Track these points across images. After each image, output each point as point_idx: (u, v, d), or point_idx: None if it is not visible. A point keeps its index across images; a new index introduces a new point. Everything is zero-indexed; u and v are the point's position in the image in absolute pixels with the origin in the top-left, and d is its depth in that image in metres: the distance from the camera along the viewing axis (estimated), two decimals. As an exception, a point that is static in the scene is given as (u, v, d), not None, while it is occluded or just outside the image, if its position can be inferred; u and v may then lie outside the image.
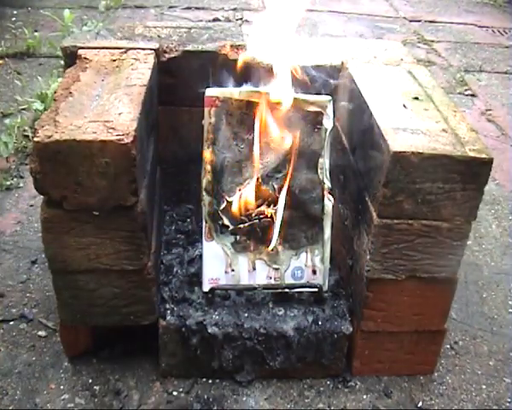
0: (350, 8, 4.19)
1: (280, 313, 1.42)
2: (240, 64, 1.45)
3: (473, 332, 1.67)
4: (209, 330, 1.37)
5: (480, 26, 4.17)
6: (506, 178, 2.42)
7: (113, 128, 1.16)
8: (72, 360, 1.47)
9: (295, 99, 1.38)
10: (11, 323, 1.57)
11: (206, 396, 1.40)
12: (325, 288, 1.45)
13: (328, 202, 1.40)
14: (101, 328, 1.42)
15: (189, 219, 1.70)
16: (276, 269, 1.44)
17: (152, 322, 1.39)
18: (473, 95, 3.13)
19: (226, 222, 1.39)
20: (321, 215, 1.41)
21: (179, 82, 1.56)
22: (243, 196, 1.38)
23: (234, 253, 1.41)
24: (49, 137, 1.13)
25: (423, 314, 1.40)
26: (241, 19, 3.83)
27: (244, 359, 1.42)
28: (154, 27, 1.69)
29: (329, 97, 1.39)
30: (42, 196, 1.22)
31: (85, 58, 1.44)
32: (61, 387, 1.41)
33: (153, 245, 1.38)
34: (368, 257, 1.31)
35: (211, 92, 1.35)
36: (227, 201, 1.38)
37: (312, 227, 1.43)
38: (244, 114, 1.37)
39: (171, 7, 3.96)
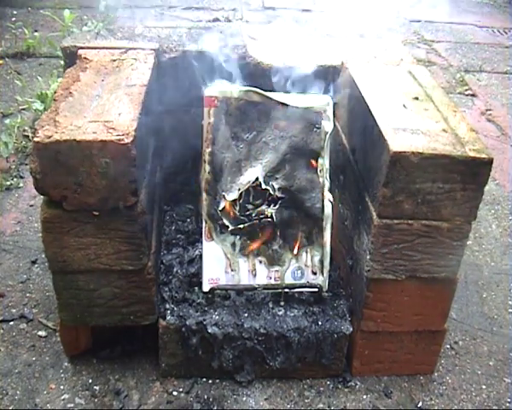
0: (350, 8, 4.18)
1: (280, 313, 1.42)
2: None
3: (473, 332, 1.67)
4: (209, 330, 1.37)
5: (480, 26, 4.17)
6: (506, 178, 2.43)
7: (113, 128, 1.16)
8: (72, 360, 1.47)
9: (295, 99, 1.38)
10: (11, 323, 1.57)
11: (206, 396, 1.40)
12: (325, 288, 1.45)
13: (328, 203, 1.40)
14: (101, 328, 1.42)
15: (189, 219, 1.70)
16: (276, 269, 1.44)
17: (152, 322, 1.39)
18: (473, 95, 3.13)
19: (226, 222, 1.39)
20: (321, 215, 1.41)
21: (179, 82, 1.56)
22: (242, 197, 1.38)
23: (234, 253, 1.41)
24: (49, 137, 1.13)
25: (423, 314, 1.40)
26: (241, 19, 3.83)
27: (244, 359, 1.42)
28: (154, 27, 1.69)
29: (329, 98, 1.39)
30: (42, 196, 1.22)
31: (85, 58, 1.44)
32: (61, 387, 1.41)
33: (153, 245, 1.38)
34: (368, 257, 1.31)
35: (210, 92, 1.35)
36: (226, 201, 1.38)
37: (312, 227, 1.43)
38: (243, 114, 1.37)
39: (171, 7, 3.96)
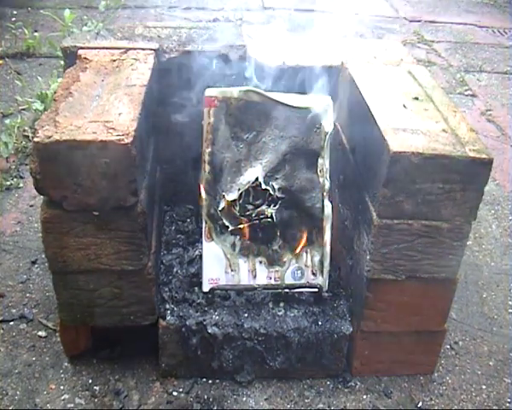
0: (350, 8, 4.18)
1: (280, 313, 1.42)
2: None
3: (473, 332, 1.67)
4: (209, 331, 1.37)
5: (480, 26, 4.17)
6: (506, 179, 2.42)
7: (113, 128, 1.16)
8: (72, 360, 1.47)
9: (295, 100, 1.38)
10: (11, 323, 1.57)
11: (206, 396, 1.40)
12: (325, 288, 1.45)
13: (328, 203, 1.40)
14: (101, 328, 1.42)
15: (189, 219, 1.70)
16: (276, 269, 1.44)
17: (152, 322, 1.39)
18: (473, 95, 3.13)
19: (226, 222, 1.39)
20: (321, 215, 1.41)
21: (179, 82, 1.56)
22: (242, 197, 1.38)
23: (234, 253, 1.41)
24: (49, 137, 1.13)
25: (423, 314, 1.40)
26: (241, 19, 3.83)
27: (244, 359, 1.42)
28: (154, 27, 1.69)
29: (329, 98, 1.39)
30: (42, 196, 1.22)
31: (85, 58, 1.44)
32: (61, 387, 1.41)
33: (153, 245, 1.38)
34: (368, 257, 1.31)
35: (210, 92, 1.35)
36: (226, 201, 1.38)
37: (312, 228, 1.43)
38: (243, 114, 1.37)
39: (171, 7, 3.96)
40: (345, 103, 1.54)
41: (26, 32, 3.16)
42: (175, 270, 1.50)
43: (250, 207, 1.40)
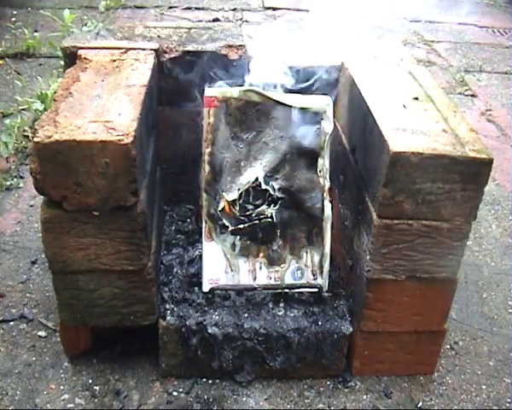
0: (350, 8, 4.18)
1: (280, 313, 1.42)
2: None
3: (473, 332, 1.67)
4: (209, 331, 1.37)
5: (480, 27, 4.17)
6: (506, 179, 2.42)
7: (113, 128, 1.16)
8: (72, 360, 1.47)
9: (295, 100, 1.38)
10: (11, 323, 1.57)
11: (206, 396, 1.40)
12: (325, 288, 1.45)
13: (328, 203, 1.40)
14: (101, 328, 1.42)
15: (188, 219, 1.70)
16: (276, 269, 1.44)
17: (152, 322, 1.39)
18: (473, 95, 3.13)
19: (226, 223, 1.39)
20: (321, 216, 1.41)
21: (179, 82, 1.56)
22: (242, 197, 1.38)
23: (234, 253, 1.41)
24: (49, 137, 1.13)
25: (423, 314, 1.40)
26: (241, 19, 3.83)
27: (244, 359, 1.42)
28: (154, 27, 1.69)
29: (329, 98, 1.39)
30: (42, 196, 1.22)
31: (85, 58, 1.44)
32: (61, 387, 1.41)
33: (153, 245, 1.38)
34: (368, 257, 1.31)
35: (210, 92, 1.35)
36: (226, 201, 1.38)
37: (312, 228, 1.43)
38: (243, 114, 1.37)
39: (171, 7, 3.96)
40: (345, 103, 1.54)
41: (26, 32, 3.16)
42: (175, 270, 1.50)
43: (250, 207, 1.40)
